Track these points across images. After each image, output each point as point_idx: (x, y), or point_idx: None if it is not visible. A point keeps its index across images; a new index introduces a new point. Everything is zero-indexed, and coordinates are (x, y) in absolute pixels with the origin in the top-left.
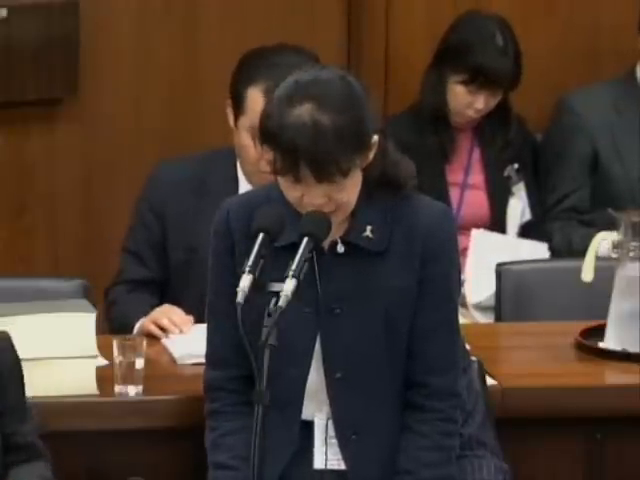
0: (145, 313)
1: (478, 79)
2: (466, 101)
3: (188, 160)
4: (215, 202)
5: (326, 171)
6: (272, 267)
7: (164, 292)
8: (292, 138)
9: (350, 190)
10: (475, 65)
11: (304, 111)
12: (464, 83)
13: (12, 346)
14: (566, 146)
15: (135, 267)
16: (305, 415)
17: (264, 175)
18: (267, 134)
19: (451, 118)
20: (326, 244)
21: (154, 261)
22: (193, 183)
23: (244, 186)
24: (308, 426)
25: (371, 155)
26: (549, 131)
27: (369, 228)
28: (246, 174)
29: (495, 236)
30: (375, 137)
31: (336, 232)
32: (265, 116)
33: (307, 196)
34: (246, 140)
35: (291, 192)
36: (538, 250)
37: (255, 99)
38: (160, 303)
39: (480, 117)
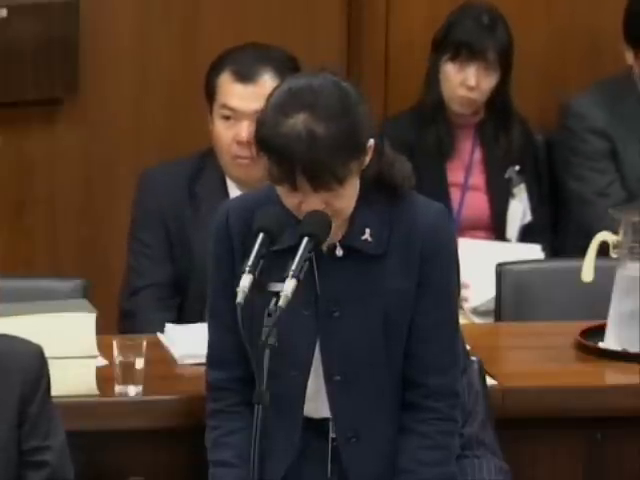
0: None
1: (462, 52)
2: (457, 80)
3: (175, 165)
4: (206, 210)
5: (322, 180)
6: (272, 270)
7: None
8: (287, 148)
9: (347, 196)
10: (457, 38)
11: (298, 120)
12: (451, 60)
13: (44, 359)
14: (585, 146)
15: (156, 268)
16: (306, 415)
17: (239, 161)
18: (262, 142)
19: (450, 109)
20: (325, 247)
21: (169, 261)
22: (185, 191)
23: (233, 192)
24: (309, 426)
25: (367, 160)
26: (558, 137)
27: (368, 231)
28: (225, 168)
29: (481, 243)
30: (371, 141)
31: (335, 235)
32: (260, 124)
33: (305, 203)
34: (219, 126)
35: (289, 199)
36: (532, 252)
37: (224, 82)
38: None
39: (480, 109)
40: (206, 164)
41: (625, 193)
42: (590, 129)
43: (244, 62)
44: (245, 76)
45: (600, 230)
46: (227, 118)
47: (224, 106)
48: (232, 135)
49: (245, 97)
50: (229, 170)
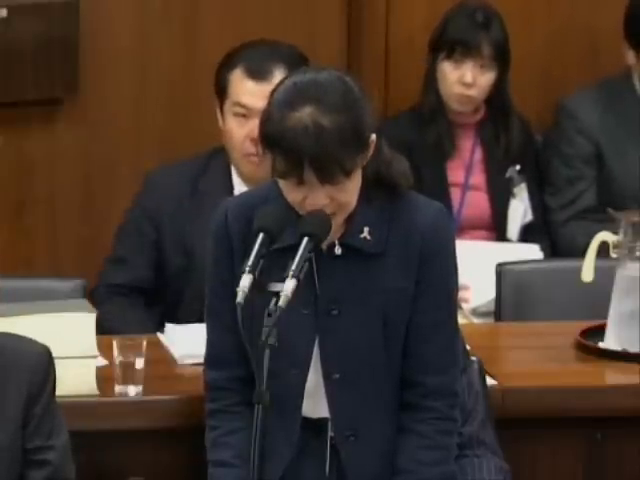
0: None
1: (457, 49)
2: (454, 78)
3: (181, 166)
4: (210, 206)
5: (330, 172)
6: (272, 269)
7: (161, 297)
8: (295, 141)
9: (351, 190)
10: (451, 36)
11: (305, 114)
12: (447, 58)
13: (51, 359)
14: (569, 148)
15: (114, 272)
16: (304, 415)
17: (251, 159)
18: (269, 137)
19: (449, 108)
20: (324, 246)
21: (143, 267)
22: (187, 188)
23: (238, 187)
24: (308, 425)
25: (369, 154)
26: (550, 135)
27: (367, 230)
28: (235, 165)
29: (480, 244)
30: (373, 136)
31: (334, 234)
32: (265, 119)
33: (310, 198)
34: (231, 123)
35: (293, 194)
36: (531, 252)
37: (236, 79)
38: (150, 309)
39: (480, 107)
40: (211, 162)
41: (596, 199)
42: (578, 129)
43: (256, 59)
44: (258, 73)
45: (561, 241)
46: (240, 115)
47: (237, 104)
48: (245, 132)
49: (257, 94)
50: (239, 167)
